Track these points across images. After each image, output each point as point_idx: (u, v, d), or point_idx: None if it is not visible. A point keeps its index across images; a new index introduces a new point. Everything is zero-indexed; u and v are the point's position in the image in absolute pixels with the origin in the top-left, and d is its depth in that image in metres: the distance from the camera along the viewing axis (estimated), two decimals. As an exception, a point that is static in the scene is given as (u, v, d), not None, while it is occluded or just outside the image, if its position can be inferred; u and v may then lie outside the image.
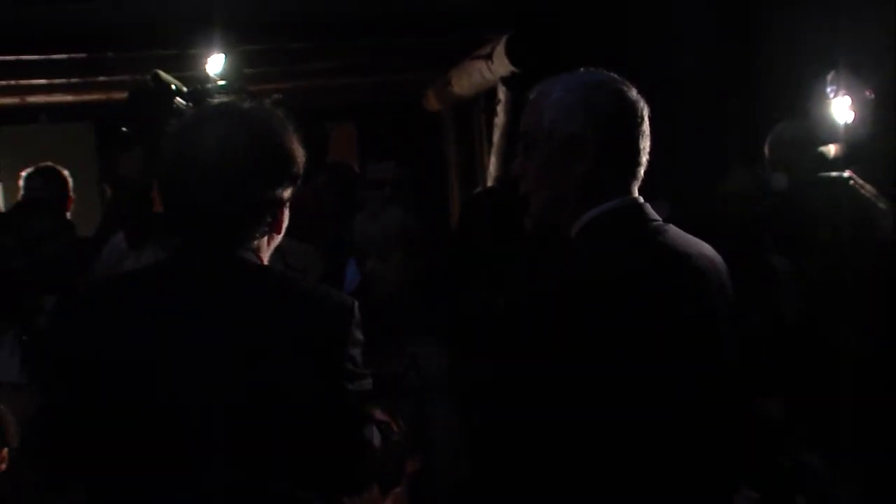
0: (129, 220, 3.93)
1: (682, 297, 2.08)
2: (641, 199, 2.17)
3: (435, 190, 7.83)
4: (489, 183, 6.58)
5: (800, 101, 4.32)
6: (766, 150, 4.29)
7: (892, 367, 3.48)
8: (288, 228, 2.13)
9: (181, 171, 2.03)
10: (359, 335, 2.02)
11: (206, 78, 4.58)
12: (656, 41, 5.48)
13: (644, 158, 2.17)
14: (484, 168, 6.92)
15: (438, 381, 3.13)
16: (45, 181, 5.33)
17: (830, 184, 3.69)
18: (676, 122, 4.54)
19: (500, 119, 6.42)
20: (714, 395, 2.12)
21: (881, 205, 3.67)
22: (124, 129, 3.53)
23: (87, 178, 6.58)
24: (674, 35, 5.50)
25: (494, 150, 6.52)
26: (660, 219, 2.17)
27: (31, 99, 7.11)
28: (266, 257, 2.10)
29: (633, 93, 2.17)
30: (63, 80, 6.65)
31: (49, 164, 5.47)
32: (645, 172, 2.19)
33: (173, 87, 3.30)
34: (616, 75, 2.19)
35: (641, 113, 2.16)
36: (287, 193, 2.09)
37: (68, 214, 5.32)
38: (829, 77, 4.10)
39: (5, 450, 2.97)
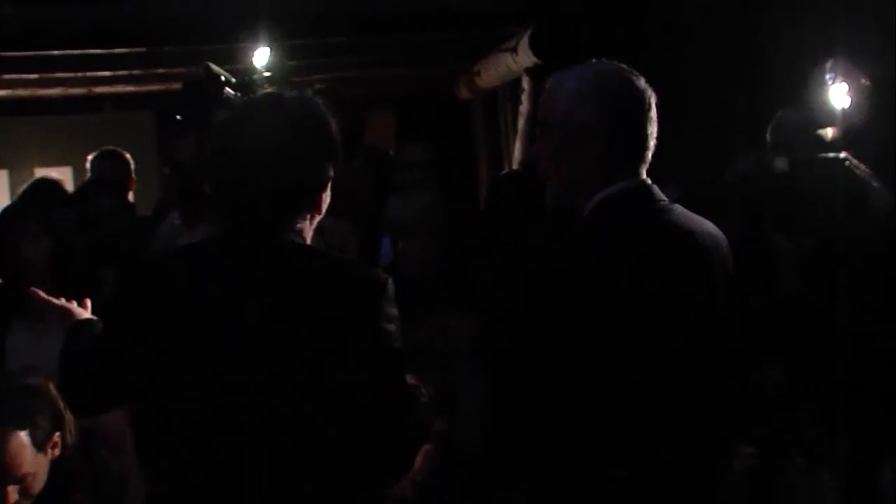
0: (183, 201, 3.95)
1: (685, 269, 2.08)
2: (649, 181, 2.16)
3: (466, 172, 7.83)
4: (514, 165, 6.56)
5: (800, 90, 4.29)
6: (768, 136, 4.26)
7: (884, 338, 3.47)
8: (327, 207, 2.09)
9: (230, 158, 1.99)
10: (393, 309, 1.98)
11: (254, 70, 4.59)
12: (669, 34, 5.46)
13: (652, 143, 2.16)
14: (510, 152, 6.90)
15: (463, 347, 3.14)
16: (111, 164, 5.36)
17: (827, 164, 3.68)
18: (686, 112, 4.53)
19: (524, 107, 6.40)
20: (714, 360, 2.12)
21: (875, 184, 3.65)
22: (178, 116, 3.54)
23: (147, 162, 6.60)
24: (685, 29, 5.47)
25: (519, 135, 6.50)
26: (666, 199, 2.16)
27: (97, 89, 7.15)
28: (309, 237, 2.06)
29: (642, 82, 2.15)
30: (125, 73, 6.70)
31: (113, 147, 5.50)
32: (657, 158, 2.18)
33: (223, 78, 3.30)
34: (625, 66, 2.18)
35: (649, 101, 2.15)
36: (328, 177, 2.05)
37: (130, 195, 5.34)
38: (828, 65, 4.07)
39: (56, 434, 2.69)
